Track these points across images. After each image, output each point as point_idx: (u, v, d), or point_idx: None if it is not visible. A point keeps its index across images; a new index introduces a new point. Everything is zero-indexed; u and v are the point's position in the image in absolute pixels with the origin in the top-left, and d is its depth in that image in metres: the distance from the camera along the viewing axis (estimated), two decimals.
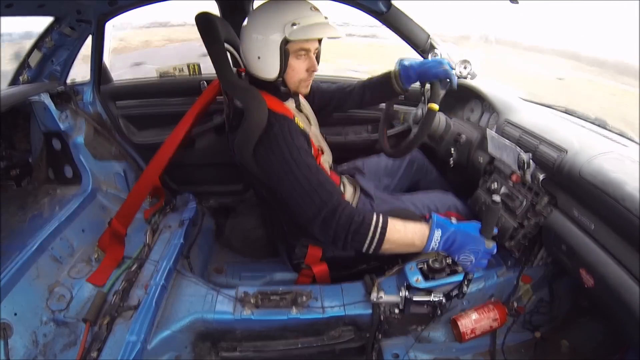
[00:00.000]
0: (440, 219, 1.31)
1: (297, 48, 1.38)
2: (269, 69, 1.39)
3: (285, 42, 1.34)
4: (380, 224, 1.31)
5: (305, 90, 1.52)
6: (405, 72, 1.68)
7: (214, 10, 1.97)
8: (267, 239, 2.10)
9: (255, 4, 2.11)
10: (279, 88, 1.48)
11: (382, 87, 1.79)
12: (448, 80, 1.58)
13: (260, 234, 2.11)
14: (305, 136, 1.46)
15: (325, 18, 1.39)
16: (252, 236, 2.08)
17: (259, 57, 1.38)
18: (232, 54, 1.61)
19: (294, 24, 1.31)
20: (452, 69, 1.58)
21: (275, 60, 1.37)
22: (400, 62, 1.70)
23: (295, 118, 1.48)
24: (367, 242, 1.31)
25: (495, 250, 1.29)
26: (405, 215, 1.68)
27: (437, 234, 1.29)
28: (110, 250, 1.90)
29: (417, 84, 1.72)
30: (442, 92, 1.60)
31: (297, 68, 1.42)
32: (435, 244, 1.30)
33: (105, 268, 1.83)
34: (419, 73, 1.65)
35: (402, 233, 1.32)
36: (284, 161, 1.34)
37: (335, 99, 1.88)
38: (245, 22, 1.42)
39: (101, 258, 1.91)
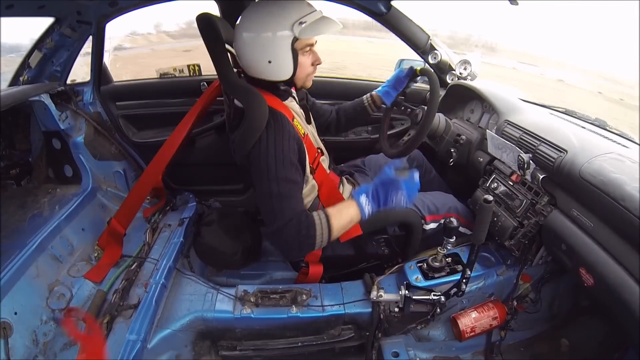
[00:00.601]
0: (358, 189, 1.40)
1: (304, 45, 1.38)
2: (282, 71, 1.39)
3: (294, 41, 1.34)
4: (323, 220, 1.34)
5: (310, 83, 1.54)
6: (383, 94, 1.86)
7: (214, 10, 1.97)
8: (235, 251, 2.08)
9: None
10: (278, 87, 1.49)
11: (358, 115, 1.95)
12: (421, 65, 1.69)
13: (228, 247, 2.04)
14: (298, 142, 1.44)
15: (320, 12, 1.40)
16: (220, 250, 2.05)
17: (270, 62, 1.35)
18: (232, 55, 1.61)
19: (301, 22, 1.31)
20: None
21: (289, 61, 1.36)
22: (378, 90, 1.87)
23: (295, 120, 1.49)
24: (318, 240, 1.34)
25: (416, 176, 1.36)
26: (405, 214, 1.70)
27: (363, 199, 1.35)
28: (109, 249, 1.91)
29: (420, 85, 1.74)
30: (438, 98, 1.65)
31: (305, 64, 1.43)
32: (367, 208, 1.35)
33: (103, 266, 1.84)
34: (393, 86, 1.83)
35: (340, 216, 1.36)
36: (266, 167, 1.34)
37: (321, 120, 1.93)
38: (242, 29, 1.36)
39: (101, 257, 1.91)
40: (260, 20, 1.32)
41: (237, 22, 1.39)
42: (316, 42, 1.45)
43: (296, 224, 1.32)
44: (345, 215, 1.37)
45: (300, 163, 1.44)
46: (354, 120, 2.00)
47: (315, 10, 1.37)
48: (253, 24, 1.33)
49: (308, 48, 1.41)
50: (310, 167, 1.55)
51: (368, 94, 1.91)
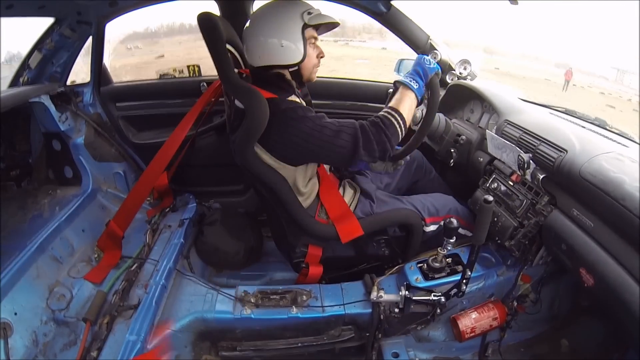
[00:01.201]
0: (404, 80, 1.54)
1: (310, 36, 1.50)
2: (293, 53, 1.47)
3: (304, 29, 1.45)
4: (395, 114, 1.48)
5: (315, 76, 1.62)
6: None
7: (214, 11, 1.97)
8: (237, 251, 2.10)
9: (256, 5, 2.12)
10: (282, 82, 1.52)
11: None
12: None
13: (230, 247, 2.09)
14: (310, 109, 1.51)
15: None
16: (222, 250, 2.06)
17: (282, 45, 1.45)
18: (233, 55, 1.62)
19: (309, 13, 1.46)
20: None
21: (300, 45, 1.46)
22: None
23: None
24: (399, 131, 1.48)
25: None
26: (406, 216, 1.70)
27: (414, 84, 1.52)
28: (108, 251, 1.91)
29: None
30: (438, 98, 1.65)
31: (311, 54, 1.53)
32: (417, 85, 1.52)
33: (102, 267, 1.84)
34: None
35: (405, 106, 1.50)
36: (310, 132, 1.41)
37: None
38: (256, 21, 1.47)
39: (101, 258, 1.91)
40: (274, 13, 1.46)
41: (250, 19, 1.51)
42: (318, 38, 1.56)
43: (373, 124, 1.46)
44: (405, 101, 1.51)
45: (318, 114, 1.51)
46: None
47: (315, 7, 1.51)
48: (268, 16, 1.46)
49: (313, 40, 1.52)
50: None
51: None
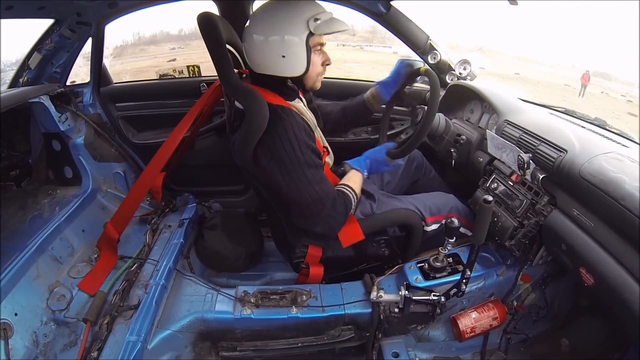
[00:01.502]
0: (356, 162, 1.70)
1: (316, 43, 1.41)
2: (295, 65, 1.40)
3: (308, 37, 1.36)
4: (350, 190, 1.58)
5: (319, 85, 1.56)
6: (382, 88, 1.85)
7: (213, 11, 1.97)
8: (238, 256, 2.08)
9: (255, 5, 2.12)
10: (286, 85, 1.50)
11: (358, 113, 1.95)
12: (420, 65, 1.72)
13: (231, 252, 2.06)
14: (311, 134, 1.49)
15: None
16: (223, 254, 2.05)
17: (283, 56, 1.36)
18: (232, 55, 1.61)
19: (316, 19, 1.35)
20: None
21: (302, 57, 1.38)
22: (377, 83, 1.88)
23: (303, 117, 1.51)
24: (354, 208, 1.59)
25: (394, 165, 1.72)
26: (405, 216, 1.70)
27: (364, 174, 1.68)
28: (103, 256, 1.88)
29: (420, 85, 1.75)
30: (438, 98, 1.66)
31: (316, 62, 1.46)
32: (365, 176, 1.68)
33: (96, 275, 1.80)
34: (393, 79, 1.82)
35: (355, 184, 1.62)
36: (294, 156, 1.38)
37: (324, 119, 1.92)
38: (256, 25, 1.39)
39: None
40: (276, 16, 1.35)
41: (250, 19, 1.43)
42: (325, 43, 1.47)
43: (341, 201, 1.51)
44: (358, 182, 1.63)
45: (316, 152, 1.48)
46: (357, 118, 2.00)
47: (326, 10, 1.41)
48: (268, 20, 1.36)
49: (319, 47, 1.44)
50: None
51: (368, 91, 1.89)
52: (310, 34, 1.36)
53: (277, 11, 1.36)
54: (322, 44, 1.45)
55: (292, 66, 1.40)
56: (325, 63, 1.50)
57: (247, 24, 1.44)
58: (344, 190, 1.56)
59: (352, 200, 1.55)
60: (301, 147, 1.38)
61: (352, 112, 1.95)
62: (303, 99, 1.64)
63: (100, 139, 2.31)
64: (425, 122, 1.64)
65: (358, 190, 1.61)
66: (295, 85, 1.53)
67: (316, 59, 1.45)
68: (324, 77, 1.57)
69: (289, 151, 1.37)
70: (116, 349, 1.34)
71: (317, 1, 1.44)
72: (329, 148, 1.74)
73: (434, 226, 1.75)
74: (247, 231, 2.15)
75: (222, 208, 2.53)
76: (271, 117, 1.37)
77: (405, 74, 1.79)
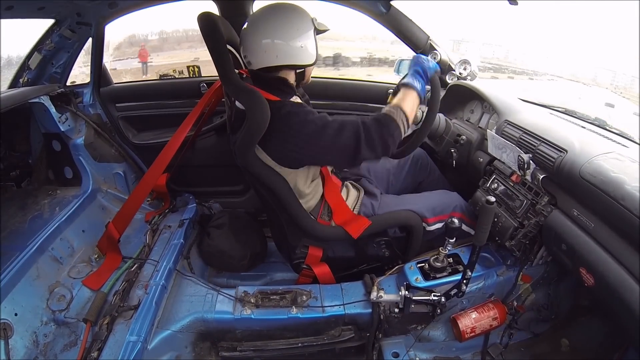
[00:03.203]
0: (406, 81, 1.57)
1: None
2: (309, 55, 1.51)
3: (314, 32, 1.51)
4: (398, 111, 1.49)
5: (309, 78, 1.66)
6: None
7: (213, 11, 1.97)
8: (243, 255, 2.09)
9: (256, 5, 2.12)
10: (284, 85, 1.52)
11: None
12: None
13: (237, 252, 2.07)
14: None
15: None
16: (228, 254, 2.05)
17: (301, 46, 1.47)
18: (233, 55, 1.61)
19: (315, 20, 1.52)
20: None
21: (314, 47, 1.52)
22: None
23: None
24: (402, 128, 1.49)
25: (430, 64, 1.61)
26: (406, 217, 1.70)
27: (417, 84, 1.55)
28: (109, 255, 1.90)
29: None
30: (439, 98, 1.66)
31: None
32: (419, 85, 1.55)
33: (101, 272, 1.82)
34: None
35: (407, 103, 1.52)
36: (311, 137, 1.42)
37: None
38: (268, 22, 1.46)
39: (101, 259, 1.91)
40: (290, 16, 1.48)
41: (258, 19, 1.49)
42: None
43: (376, 121, 1.47)
44: (408, 101, 1.53)
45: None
46: None
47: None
48: (283, 18, 1.47)
49: None
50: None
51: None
52: (315, 29, 1.50)
53: (290, 13, 1.49)
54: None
55: (308, 56, 1.50)
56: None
57: (250, 26, 1.47)
58: (388, 111, 1.50)
59: (399, 120, 1.47)
60: (309, 119, 1.42)
61: None
62: (298, 97, 1.65)
63: (100, 140, 2.32)
64: (426, 122, 1.64)
65: (406, 106, 1.51)
66: (293, 83, 1.56)
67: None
68: (322, 78, 1.60)
69: (306, 130, 1.42)
70: (116, 349, 1.35)
71: (312, 1, 1.58)
72: None
73: (438, 225, 1.75)
74: (253, 232, 2.16)
75: (222, 208, 2.53)
76: (276, 113, 1.39)
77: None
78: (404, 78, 1.60)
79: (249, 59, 1.49)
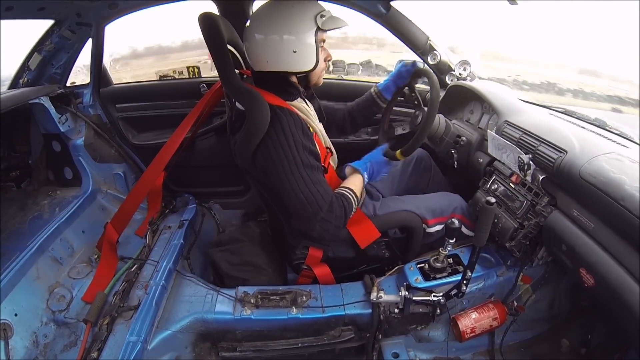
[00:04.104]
0: (358, 165, 1.66)
1: (320, 39, 1.45)
2: (306, 60, 1.43)
3: (316, 33, 1.40)
4: (352, 194, 1.55)
5: (322, 81, 1.61)
6: (383, 88, 1.85)
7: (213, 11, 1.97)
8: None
9: (256, 5, 2.12)
10: (288, 86, 1.51)
11: (369, 108, 1.94)
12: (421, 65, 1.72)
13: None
14: (309, 134, 1.48)
15: None
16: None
17: (294, 51, 1.39)
18: (233, 55, 1.61)
19: (322, 15, 1.40)
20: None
21: (313, 51, 1.42)
22: (379, 84, 1.87)
23: (303, 117, 1.51)
24: (351, 214, 1.55)
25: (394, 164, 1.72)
26: (406, 218, 1.69)
27: (365, 176, 1.63)
28: (103, 261, 1.86)
29: (420, 86, 1.75)
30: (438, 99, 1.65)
31: (320, 59, 1.48)
32: (366, 180, 1.64)
33: (95, 285, 1.77)
34: (394, 81, 1.82)
35: (356, 187, 1.59)
36: (291, 156, 1.38)
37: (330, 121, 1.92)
38: (262, 21, 1.41)
39: (100, 259, 1.90)
40: (286, 13, 1.39)
41: (254, 18, 1.44)
42: (325, 40, 1.51)
43: (339, 204, 1.48)
44: (359, 185, 1.60)
45: (314, 154, 1.48)
46: (369, 114, 1.99)
47: (326, 8, 1.45)
48: (278, 17, 1.39)
49: (322, 43, 1.48)
50: (322, 166, 1.58)
51: (372, 89, 1.90)
52: (318, 29, 1.39)
53: (286, 9, 1.39)
54: (324, 40, 1.49)
55: (304, 61, 1.43)
56: (327, 59, 1.55)
57: (250, 23, 1.45)
58: (344, 192, 1.54)
59: (353, 202, 1.53)
60: (297, 147, 1.39)
61: (361, 110, 1.95)
62: (305, 99, 1.64)
63: (100, 140, 2.32)
64: (426, 123, 1.63)
65: (359, 193, 1.58)
66: (298, 85, 1.54)
67: (320, 54, 1.47)
68: (325, 78, 1.58)
69: (285, 150, 1.38)
70: (116, 349, 1.34)
71: (317, 1, 1.46)
72: (332, 149, 1.73)
73: (438, 227, 1.74)
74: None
75: (222, 209, 2.54)
76: (276, 115, 1.38)
77: (405, 73, 1.79)
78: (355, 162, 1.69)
79: (249, 60, 1.49)
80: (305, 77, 1.52)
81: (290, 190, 1.42)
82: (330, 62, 1.62)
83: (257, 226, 2.00)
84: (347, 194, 1.53)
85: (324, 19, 1.39)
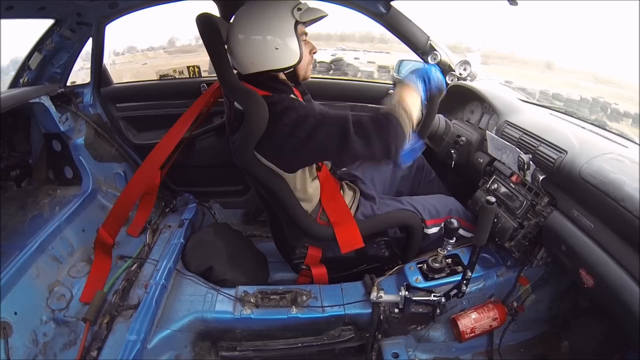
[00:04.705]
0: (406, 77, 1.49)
1: (301, 32, 1.44)
2: (289, 55, 1.42)
3: (296, 26, 1.39)
4: (399, 110, 1.38)
5: (310, 73, 1.60)
6: None
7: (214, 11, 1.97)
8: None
9: None
10: (277, 83, 1.50)
11: None
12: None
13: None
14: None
15: None
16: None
17: (276, 48, 1.39)
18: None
19: (299, 9, 1.39)
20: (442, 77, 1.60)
21: (295, 45, 1.41)
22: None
23: None
24: (404, 129, 1.38)
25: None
26: (406, 217, 1.69)
27: (420, 85, 1.44)
28: (96, 262, 1.84)
29: None
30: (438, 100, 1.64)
31: (304, 52, 1.47)
32: (421, 93, 1.45)
33: (92, 285, 1.77)
34: None
35: (409, 100, 1.41)
36: (314, 122, 1.36)
37: None
38: (242, 24, 1.41)
39: None
40: (262, 12, 1.39)
41: (234, 21, 1.44)
42: (307, 33, 1.53)
43: (367, 117, 1.37)
44: (410, 101, 1.41)
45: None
46: None
47: (302, 1, 1.45)
48: (255, 17, 1.39)
49: (304, 36, 1.49)
50: (316, 164, 1.59)
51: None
52: (297, 22, 1.39)
53: (262, 7, 1.40)
54: (306, 34, 1.50)
55: (287, 56, 1.42)
56: (313, 51, 1.55)
57: (230, 29, 1.45)
58: (388, 113, 1.38)
59: (399, 118, 1.36)
60: (308, 113, 1.37)
61: None
62: (297, 94, 1.64)
63: (100, 140, 2.32)
64: (426, 123, 1.64)
65: (409, 109, 1.39)
66: (288, 80, 1.55)
67: (304, 48, 1.46)
68: (322, 78, 1.58)
69: (306, 121, 1.36)
70: (116, 348, 1.35)
71: (309, 1, 1.47)
72: None
73: (435, 229, 1.74)
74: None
75: (222, 208, 2.54)
76: (272, 109, 1.37)
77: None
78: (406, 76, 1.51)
79: (236, 66, 1.49)
80: (293, 72, 1.52)
81: (312, 145, 1.37)
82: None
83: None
84: (391, 115, 1.37)
85: (300, 11, 1.39)
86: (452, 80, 2.18)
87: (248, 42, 1.40)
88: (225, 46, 1.46)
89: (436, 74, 1.48)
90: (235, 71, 1.49)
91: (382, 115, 1.37)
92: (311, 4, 1.46)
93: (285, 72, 1.50)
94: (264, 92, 1.42)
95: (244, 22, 1.41)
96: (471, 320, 1.53)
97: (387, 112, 1.38)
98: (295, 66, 1.46)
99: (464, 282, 1.41)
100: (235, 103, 1.51)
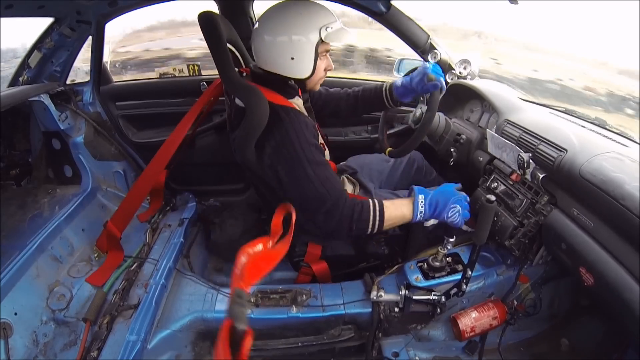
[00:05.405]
0: (419, 188, 1.51)
1: (323, 49, 1.44)
2: (302, 68, 1.43)
3: (318, 44, 1.40)
4: (377, 207, 1.45)
5: (318, 87, 1.61)
6: (399, 91, 1.78)
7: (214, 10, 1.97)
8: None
9: (256, 5, 2.12)
10: (286, 85, 1.50)
11: (375, 102, 1.87)
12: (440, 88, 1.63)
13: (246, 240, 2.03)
14: (314, 132, 1.48)
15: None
16: (238, 243, 2.02)
17: (292, 58, 1.40)
18: (233, 53, 1.61)
19: (328, 27, 1.39)
20: (440, 75, 1.64)
21: (309, 62, 1.42)
22: (394, 83, 1.79)
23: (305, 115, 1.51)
24: (370, 226, 1.45)
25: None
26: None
27: (421, 198, 1.47)
28: (111, 253, 1.89)
29: None
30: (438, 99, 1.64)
31: (320, 67, 1.48)
32: (422, 209, 1.47)
33: (105, 270, 1.82)
34: (412, 90, 1.74)
35: (393, 208, 1.47)
36: (296, 154, 1.38)
37: (332, 104, 1.91)
38: (269, 24, 1.41)
39: (101, 258, 1.91)
40: (291, 19, 1.38)
41: (263, 17, 1.44)
42: (331, 50, 1.51)
43: (350, 205, 1.43)
44: (398, 209, 1.48)
45: (320, 150, 1.47)
46: (369, 109, 1.96)
47: (337, 20, 1.44)
48: (282, 21, 1.39)
49: (325, 53, 1.47)
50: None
51: (386, 86, 1.82)
52: (321, 41, 1.39)
53: (293, 14, 1.39)
54: (328, 51, 1.48)
55: (299, 69, 1.43)
56: (328, 69, 1.53)
57: (260, 21, 1.45)
58: (367, 200, 1.47)
59: (370, 213, 1.44)
60: (303, 146, 1.38)
61: (364, 99, 1.89)
62: (301, 98, 1.64)
63: (100, 138, 2.31)
64: (426, 121, 1.63)
65: (390, 213, 1.46)
66: (296, 85, 1.54)
67: (320, 64, 1.47)
68: (325, 77, 1.58)
69: (293, 149, 1.38)
70: (116, 348, 1.35)
71: (328, 9, 1.45)
72: (325, 145, 1.72)
73: (433, 221, 1.73)
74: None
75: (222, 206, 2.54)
76: (274, 118, 1.38)
77: (424, 86, 1.67)
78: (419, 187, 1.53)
79: (245, 57, 1.53)
80: (301, 82, 1.52)
81: (297, 187, 1.42)
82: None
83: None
84: (370, 202, 1.46)
85: (328, 31, 1.39)
86: (452, 79, 2.18)
87: (269, 43, 1.41)
88: (228, 44, 1.47)
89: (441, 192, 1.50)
90: (236, 69, 1.49)
91: (359, 213, 1.43)
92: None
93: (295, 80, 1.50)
94: (268, 90, 1.42)
95: (274, 21, 1.41)
96: (471, 319, 1.53)
97: (365, 211, 1.44)
98: (305, 80, 1.48)
99: (464, 280, 1.41)
100: (237, 100, 1.51)
